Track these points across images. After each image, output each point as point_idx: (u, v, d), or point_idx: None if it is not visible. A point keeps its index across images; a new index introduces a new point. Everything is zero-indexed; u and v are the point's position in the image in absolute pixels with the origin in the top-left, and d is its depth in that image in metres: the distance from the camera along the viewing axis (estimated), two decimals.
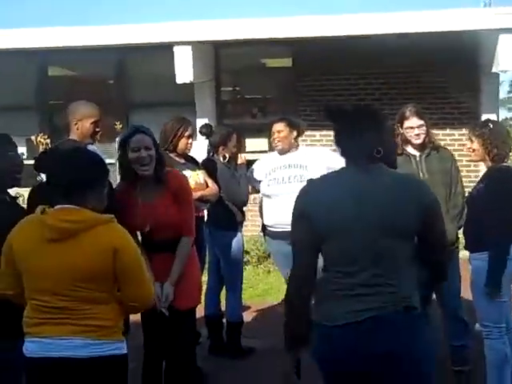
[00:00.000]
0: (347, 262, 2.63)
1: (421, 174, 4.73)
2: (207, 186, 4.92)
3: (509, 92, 42.60)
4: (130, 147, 3.68)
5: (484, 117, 7.88)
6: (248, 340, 5.53)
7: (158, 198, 3.74)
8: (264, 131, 9.42)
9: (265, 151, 8.61)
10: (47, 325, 2.73)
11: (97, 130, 4.10)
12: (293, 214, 2.80)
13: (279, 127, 5.27)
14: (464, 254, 4.55)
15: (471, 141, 4.32)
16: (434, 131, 8.98)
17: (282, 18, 8.53)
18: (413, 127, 4.67)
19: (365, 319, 2.57)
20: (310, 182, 2.99)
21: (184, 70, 7.92)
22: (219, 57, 8.99)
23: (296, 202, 2.82)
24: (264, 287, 7.71)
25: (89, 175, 2.79)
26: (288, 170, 5.21)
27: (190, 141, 4.85)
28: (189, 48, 7.90)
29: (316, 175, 4.93)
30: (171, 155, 4.77)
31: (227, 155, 5.37)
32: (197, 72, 8.07)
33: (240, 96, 9.59)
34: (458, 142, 9.11)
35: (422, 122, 4.68)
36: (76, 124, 4.05)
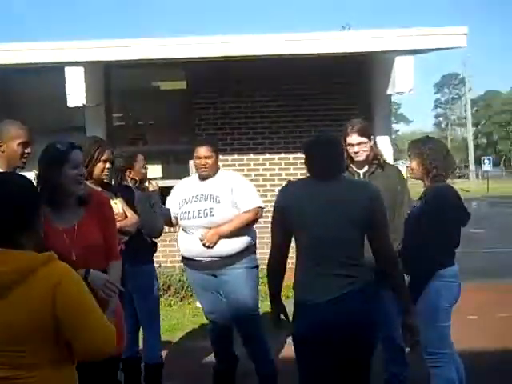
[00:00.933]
0: (316, 249, 3.37)
1: None
2: (126, 217, 4.48)
3: None
4: (69, 164, 3.28)
5: (378, 139, 7.93)
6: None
7: (80, 221, 3.32)
8: (158, 158, 9.07)
9: (159, 178, 8.23)
10: None
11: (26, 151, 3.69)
12: (274, 206, 3.58)
13: (206, 153, 4.93)
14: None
15: (410, 159, 4.22)
16: None
17: (175, 38, 8.19)
18: (353, 144, 4.57)
19: (331, 298, 3.32)
20: (289, 182, 3.99)
21: (76, 92, 7.36)
22: (110, 79, 8.48)
23: (277, 196, 3.62)
24: (170, 322, 7.28)
25: (23, 211, 2.31)
26: (199, 203, 4.89)
27: (108, 165, 4.37)
28: (81, 69, 7.36)
29: (226, 208, 4.78)
30: (86, 182, 4.29)
31: (137, 179, 5.00)
32: (89, 95, 7.53)
33: (132, 121, 9.13)
34: None
35: (362, 140, 4.56)
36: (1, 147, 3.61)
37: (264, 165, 9.20)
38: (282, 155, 9.23)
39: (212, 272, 4.94)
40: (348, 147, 4.54)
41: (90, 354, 2.31)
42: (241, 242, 4.92)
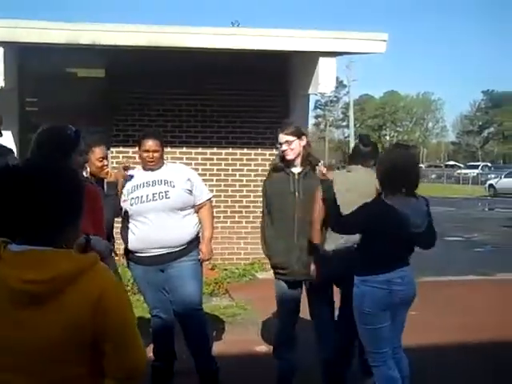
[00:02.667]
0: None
1: (296, 193, 4.67)
2: None
3: None
4: (77, 150, 3.23)
5: None
6: None
7: None
8: None
9: None
10: None
11: None
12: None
13: (154, 146, 4.84)
14: None
15: None
16: (246, 150, 9.30)
17: (96, 24, 7.90)
18: (281, 143, 4.68)
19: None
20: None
21: None
22: (25, 62, 8.05)
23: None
24: None
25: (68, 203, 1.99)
26: (152, 187, 4.80)
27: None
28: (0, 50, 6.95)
29: (180, 192, 4.74)
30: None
31: (88, 170, 4.79)
32: (7, 77, 7.12)
33: (46, 107, 8.70)
34: (269, 161, 9.27)
35: (289, 138, 4.65)
36: None
37: (181, 159, 9.09)
38: (199, 150, 9.19)
39: (159, 267, 4.83)
40: (278, 146, 4.71)
41: (125, 372, 2.03)
42: (189, 234, 4.89)
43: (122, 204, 4.87)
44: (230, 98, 9.10)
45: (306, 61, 8.36)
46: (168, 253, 4.79)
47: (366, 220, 4.02)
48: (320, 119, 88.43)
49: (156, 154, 4.83)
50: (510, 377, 5.32)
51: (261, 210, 4.96)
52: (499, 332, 6.26)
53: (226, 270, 9.03)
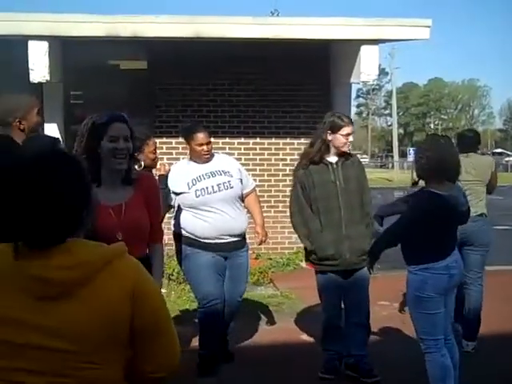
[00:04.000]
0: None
1: (337, 182, 4.72)
2: None
3: None
4: (106, 136, 3.13)
5: None
6: None
7: (128, 199, 3.19)
8: None
9: None
10: None
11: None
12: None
13: (207, 139, 4.91)
14: None
15: None
16: (289, 140, 9.27)
17: (137, 16, 7.96)
18: (349, 134, 4.82)
19: None
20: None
21: (39, 67, 7.04)
22: (69, 56, 8.14)
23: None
24: None
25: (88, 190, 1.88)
26: (214, 178, 4.88)
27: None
28: (45, 44, 7.04)
29: (238, 182, 4.85)
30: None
31: (142, 162, 4.82)
32: (52, 71, 7.22)
33: (90, 99, 8.82)
34: None
35: (351, 131, 4.84)
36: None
37: (224, 149, 9.11)
38: (242, 140, 9.18)
39: (226, 254, 4.92)
40: (342, 138, 4.75)
41: (159, 368, 1.91)
42: (246, 222, 5.07)
43: (176, 196, 4.94)
44: (272, 87, 9.07)
45: (348, 49, 8.27)
46: (234, 241, 4.91)
47: (422, 215, 4.07)
48: (362, 108, 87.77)
49: (209, 146, 4.92)
50: None
51: None
52: None
53: (270, 259, 9.04)
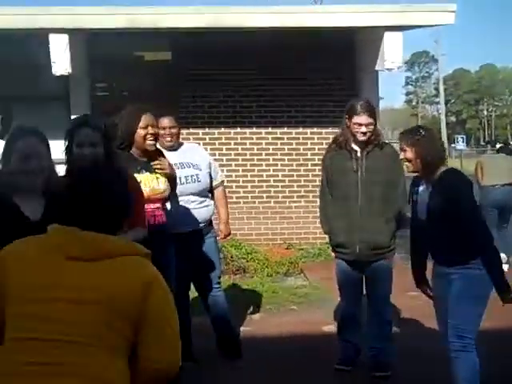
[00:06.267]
0: None
1: (359, 172, 4.56)
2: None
3: None
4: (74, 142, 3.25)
5: None
6: None
7: None
8: None
9: None
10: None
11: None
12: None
13: (171, 123, 4.83)
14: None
15: (404, 150, 3.99)
16: (317, 129, 9.21)
17: (160, 8, 8.01)
18: (361, 124, 4.54)
19: None
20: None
21: (61, 60, 7.16)
22: (94, 48, 8.26)
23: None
24: None
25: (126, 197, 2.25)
26: (182, 170, 4.81)
27: (150, 131, 4.04)
28: (65, 37, 7.16)
29: (205, 176, 4.94)
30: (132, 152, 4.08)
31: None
32: (74, 64, 7.33)
33: (116, 91, 8.94)
34: None
35: (371, 121, 4.55)
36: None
37: (251, 139, 9.13)
38: (269, 129, 9.17)
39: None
40: (354, 126, 4.53)
41: (163, 356, 2.04)
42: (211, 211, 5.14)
43: None
44: (298, 76, 9.01)
45: (373, 36, 8.14)
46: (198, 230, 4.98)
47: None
48: (411, 96, 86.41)
49: (173, 131, 4.86)
50: None
51: None
52: None
53: (301, 249, 8.98)
